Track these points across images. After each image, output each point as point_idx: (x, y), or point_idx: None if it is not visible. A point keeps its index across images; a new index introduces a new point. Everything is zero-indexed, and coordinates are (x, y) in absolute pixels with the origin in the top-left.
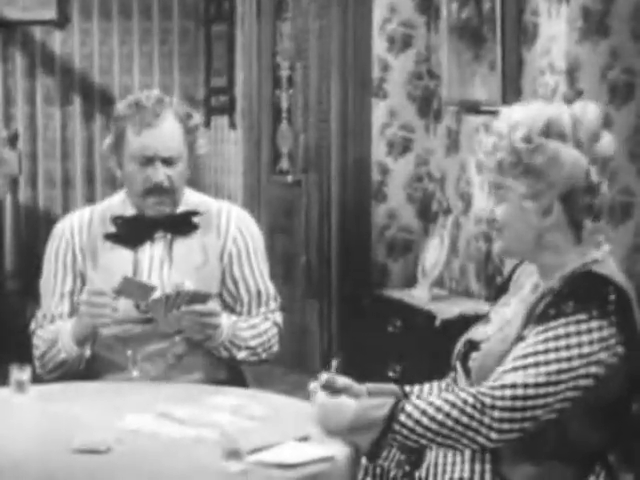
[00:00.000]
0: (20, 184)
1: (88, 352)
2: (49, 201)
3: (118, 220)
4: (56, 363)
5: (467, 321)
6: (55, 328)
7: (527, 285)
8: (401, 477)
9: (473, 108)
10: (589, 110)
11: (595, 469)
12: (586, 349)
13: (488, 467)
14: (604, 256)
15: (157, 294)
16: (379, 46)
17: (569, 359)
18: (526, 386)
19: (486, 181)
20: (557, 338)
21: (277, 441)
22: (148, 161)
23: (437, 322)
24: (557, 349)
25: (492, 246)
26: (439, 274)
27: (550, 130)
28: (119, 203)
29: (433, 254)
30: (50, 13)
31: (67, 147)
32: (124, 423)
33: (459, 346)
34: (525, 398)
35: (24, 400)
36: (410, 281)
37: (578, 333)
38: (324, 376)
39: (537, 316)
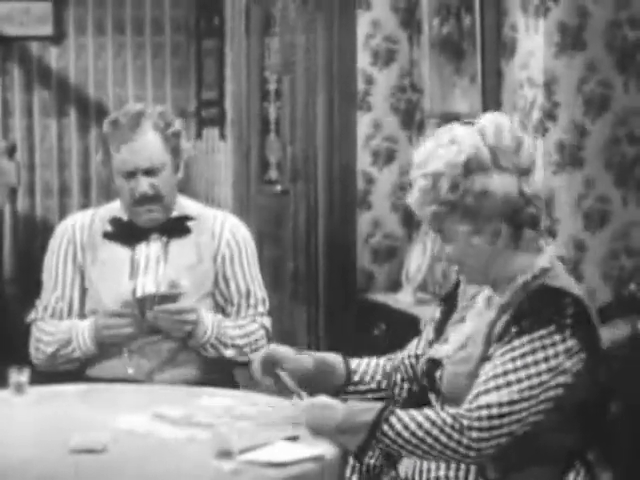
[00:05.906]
0: (18, 194)
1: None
2: (46, 210)
3: (116, 221)
4: (69, 359)
5: None
6: (67, 327)
7: (480, 299)
8: (387, 475)
9: (454, 120)
10: (501, 125)
11: (575, 466)
12: (553, 362)
13: (472, 466)
14: (552, 262)
15: (129, 298)
16: (363, 60)
17: (539, 374)
18: (500, 405)
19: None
20: (524, 356)
21: (268, 441)
22: (130, 175)
23: (421, 325)
24: (526, 366)
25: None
26: (422, 279)
27: (471, 168)
28: (119, 208)
29: (416, 260)
30: (46, 29)
31: (64, 158)
32: (119, 423)
33: (421, 365)
34: (501, 416)
35: (22, 401)
36: (395, 286)
37: (543, 347)
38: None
39: (499, 334)
